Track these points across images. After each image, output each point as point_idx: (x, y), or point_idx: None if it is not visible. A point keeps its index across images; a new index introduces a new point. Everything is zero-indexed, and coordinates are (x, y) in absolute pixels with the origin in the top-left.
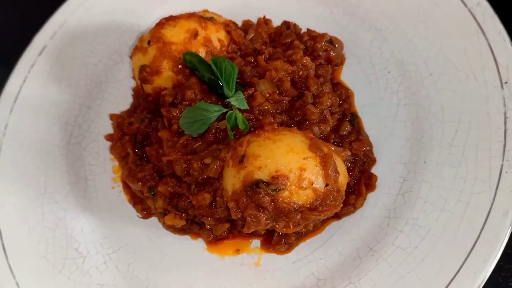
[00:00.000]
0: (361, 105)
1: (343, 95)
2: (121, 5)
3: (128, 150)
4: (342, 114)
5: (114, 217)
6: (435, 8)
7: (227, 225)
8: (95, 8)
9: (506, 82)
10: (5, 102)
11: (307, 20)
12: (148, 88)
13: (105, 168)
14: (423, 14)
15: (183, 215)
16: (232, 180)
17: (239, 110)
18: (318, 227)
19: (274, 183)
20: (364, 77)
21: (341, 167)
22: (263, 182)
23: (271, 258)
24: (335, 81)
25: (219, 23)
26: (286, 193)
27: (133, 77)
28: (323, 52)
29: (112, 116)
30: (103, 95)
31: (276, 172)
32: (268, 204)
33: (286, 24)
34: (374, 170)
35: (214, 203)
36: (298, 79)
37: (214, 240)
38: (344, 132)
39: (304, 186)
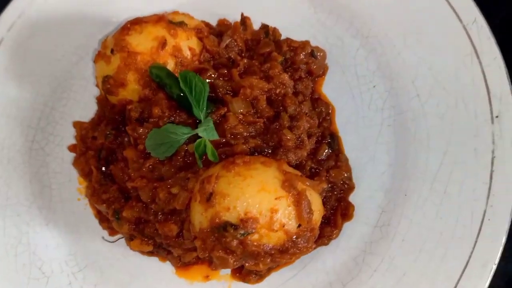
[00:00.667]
0: (343, 122)
1: (323, 112)
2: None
3: (92, 167)
4: (321, 135)
5: (80, 232)
6: (428, 20)
7: (195, 254)
8: (52, 4)
9: (497, 116)
10: None
11: (289, 19)
12: (113, 99)
13: (70, 177)
14: (415, 26)
15: (150, 241)
16: (200, 218)
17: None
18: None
19: (243, 226)
20: (348, 90)
21: (316, 203)
22: (231, 225)
23: (242, 286)
24: (315, 95)
25: (190, 28)
26: (255, 236)
27: (97, 85)
28: (303, 64)
29: (76, 124)
30: (68, 94)
31: (245, 214)
32: (236, 247)
33: (265, 29)
34: (353, 196)
35: (181, 234)
36: (275, 98)
37: (182, 266)
38: (322, 157)
39: (275, 228)
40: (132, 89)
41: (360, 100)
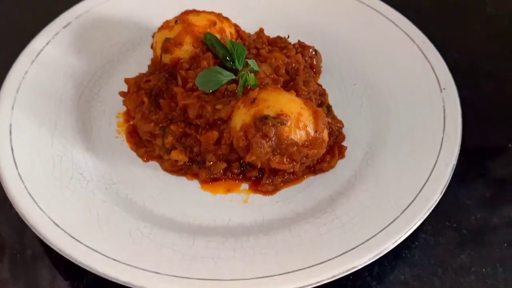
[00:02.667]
0: (332, 103)
1: (321, 90)
2: (140, 7)
3: (144, 99)
4: (320, 102)
5: (115, 159)
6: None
7: (224, 165)
8: (119, 5)
9: (444, 88)
10: (27, 54)
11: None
12: (166, 58)
13: (110, 123)
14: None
15: (188, 151)
16: (242, 116)
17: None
18: (298, 177)
19: (279, 118)
20: (334, 84)
21: (325, 132)
22: (270, 116)
23: (258, 198)
24: None
25: (231, 22)
26: (286, 129)
27: (153, 49)
28: (308, 58)
29: (127, 79)
30: (113, 70)
31: (281, 111)
32: (272, 134)
33: (279, 37)
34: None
35: (219, 142)
36: (290, 70)
37: (209, 180)
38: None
39: (300, 126)
40: (186, 49)
41: (345, 92)
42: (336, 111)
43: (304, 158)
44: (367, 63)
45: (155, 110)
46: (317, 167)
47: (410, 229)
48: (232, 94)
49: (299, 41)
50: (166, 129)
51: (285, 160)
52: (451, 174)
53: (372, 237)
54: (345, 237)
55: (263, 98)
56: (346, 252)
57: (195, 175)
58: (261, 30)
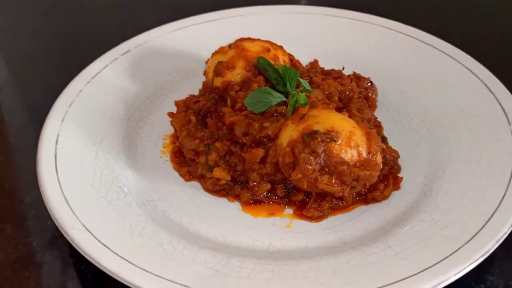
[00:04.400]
0: (388, 136)
1: (376, 122)
2: (195, 40)
3: (191, 117)
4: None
5: (156, 177)
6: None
7: (268, 186)
8: (176, 38)
9: None
10: (84, 76)
11: None
12: (218, 81)
13: (156, 143)
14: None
15: (230, 170)
16: (290, 132)
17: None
18: (348, 205)
19: (329, 134)
20: (391, 120)
21: (379, 156)
22: (320, 131)
23: (303, 224)
24: None
25: (285, 51)
26: (336, 146)
27: (206, 74)
28: (363, 89)
29: (177, 101)
30: (165, 97)
31: (331, 128)
32: (320, 150)
33: (333, 70)
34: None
35: (264, 160)
36: (343, 98)
37: (251, 202)
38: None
39: (352, 145)
40: (237, 72)
41: (402, 126)
42: (392, 144)
43: (355, 182)
44: (427, 98)
45: (201, 128)
46: (369, 196)
47: (475, 260)
48: (281, 116)
49: (354, 72)
50: (211, 146)
51: (333, 181)
52: None
53: (430, 267)
54: (399, 266)
55: (313, 114)
56: (399, 281)
57: (237, 197)
58: (315, 61)
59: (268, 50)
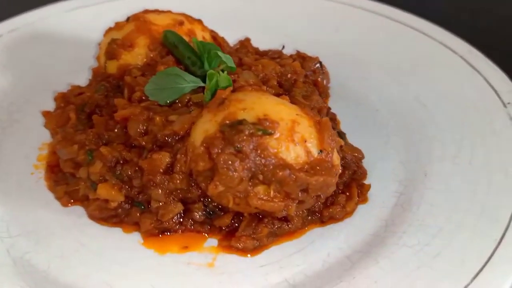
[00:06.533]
0: (347, 132)
1: (330, 114)
2: (87, 24)
3: (70, 115)
4: None
5: (22, 202)
6: None
7: (180, 207)
8: (63, 21)
9: (509, 103)
10: None
11: None
12: (112, 66)
13: (27, 155)
14: None
15: (123, 187)
16: (206, 126)
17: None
18: (296, 229)
19: (261, 124)
20: (350, 112)
21: (335, 154)
22: (247, 121)
23: (231, 260)
24: None
25: (205, 26)
26: (272, 142)
27: (97, 58)
28: (311, 72)
29: (57, 95)
30: (48, 94)
31: (264, 116)
32: (249, 148)
33: (270, 50)
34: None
35: (171, 169)
36: (284, 82)
37: (155, 231)
38: None
39: (296, 139)
40: (138, 53)
41: (364, 120)
42: (353, 142)
43: (304, 194)
44: (394, 84)
45: (83, 129)
46: (325, 213)
47: None
48: (196, 107)
49: (297, 51)
50: (94, 153)
51: (272, 193)
52: None
53: None
54: None
55: (237, 98)
56: None
57: (135, 225)
58: (247, 39)
59: (181, 23)
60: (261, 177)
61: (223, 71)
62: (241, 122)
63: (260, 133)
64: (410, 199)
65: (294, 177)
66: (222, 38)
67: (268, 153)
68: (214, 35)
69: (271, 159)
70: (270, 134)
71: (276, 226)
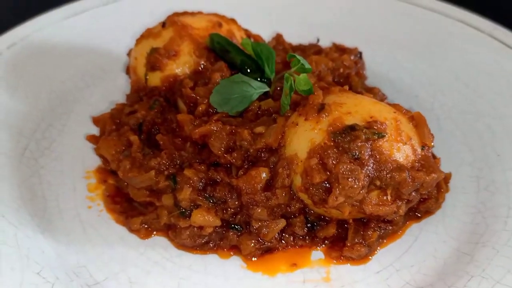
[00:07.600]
0: None
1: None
2: (97, 30)
3: (130, 138)
4: None
5: (94, 242)
6: None
7: (283, 223)
8: (66, 28)
9: None
10: None
11: None
12: (155, 78)
13: (75, 187)
14: None
15: (219, 208)
16: (309, 135)
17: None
18: (398, 228)
19: (372, 128)
20: (391, 100)
21: None
22: (359, 125)
23: (344, 271)
24: None
25: (239, 25)
26: (386, 144)
27: (131, 71)
28: (351, 62)
29: (96, 118)
30: (68, 116)
31: (371, 118)
32: (367, 155)
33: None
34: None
35: (271, 186)
36: (337, 77)
37: (258, 253)
38: None
39: (403, 139)
40: (184, 61)
41: (405, 104)
42: None
43: (413, 193)
44: (429, 66)
45: (152, 152)
46: (421, 207)
47: None
48: (268, 115)
49: (334, 43)
50: (178, 177)
51: (385, 197)
52: None
53: None
54: None
55: (335, 102)
56: None
57: (232, 248)
58: (279, 35)
59: (220, 25)
60: (378, 182)
61: (296, 73)
62: (354, 127)
63: (375, 137)
64: (493, 181)
65: (412, 178)
66: (257, 35)
67: (384, 157)
68: (248, 34)
69: (387, 162)
70: (383, 136)
71: (383, 229)
